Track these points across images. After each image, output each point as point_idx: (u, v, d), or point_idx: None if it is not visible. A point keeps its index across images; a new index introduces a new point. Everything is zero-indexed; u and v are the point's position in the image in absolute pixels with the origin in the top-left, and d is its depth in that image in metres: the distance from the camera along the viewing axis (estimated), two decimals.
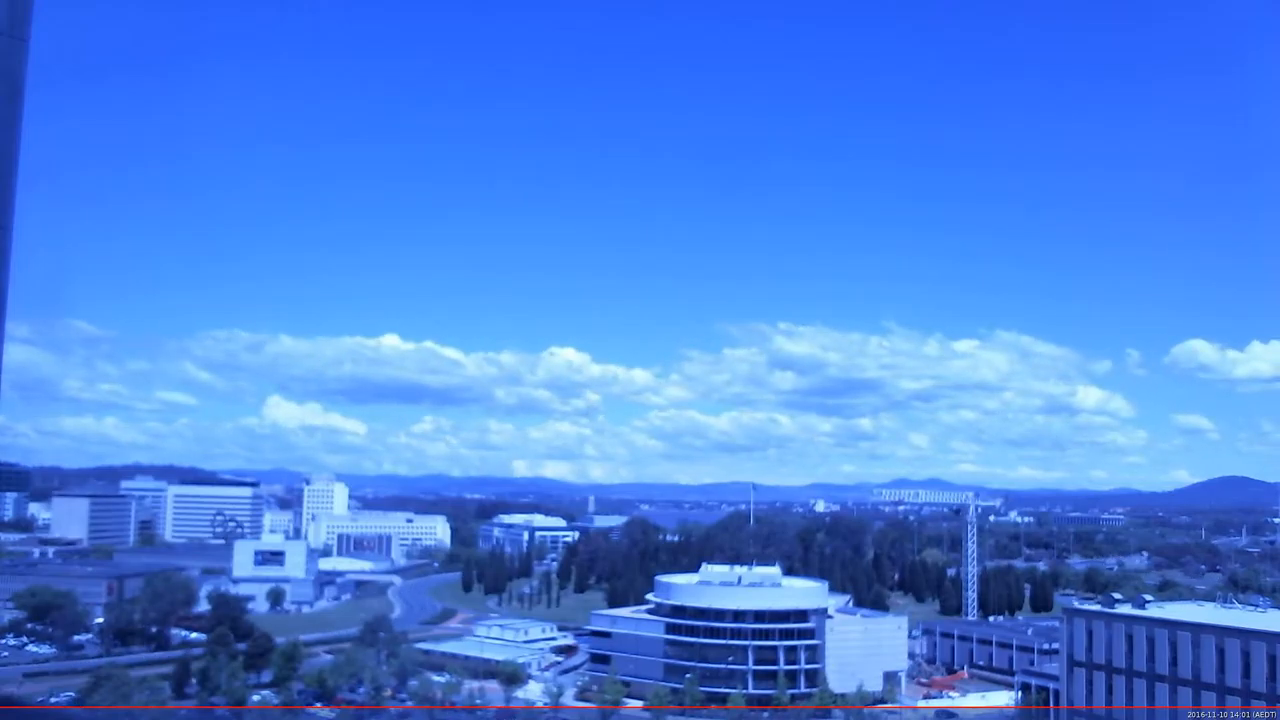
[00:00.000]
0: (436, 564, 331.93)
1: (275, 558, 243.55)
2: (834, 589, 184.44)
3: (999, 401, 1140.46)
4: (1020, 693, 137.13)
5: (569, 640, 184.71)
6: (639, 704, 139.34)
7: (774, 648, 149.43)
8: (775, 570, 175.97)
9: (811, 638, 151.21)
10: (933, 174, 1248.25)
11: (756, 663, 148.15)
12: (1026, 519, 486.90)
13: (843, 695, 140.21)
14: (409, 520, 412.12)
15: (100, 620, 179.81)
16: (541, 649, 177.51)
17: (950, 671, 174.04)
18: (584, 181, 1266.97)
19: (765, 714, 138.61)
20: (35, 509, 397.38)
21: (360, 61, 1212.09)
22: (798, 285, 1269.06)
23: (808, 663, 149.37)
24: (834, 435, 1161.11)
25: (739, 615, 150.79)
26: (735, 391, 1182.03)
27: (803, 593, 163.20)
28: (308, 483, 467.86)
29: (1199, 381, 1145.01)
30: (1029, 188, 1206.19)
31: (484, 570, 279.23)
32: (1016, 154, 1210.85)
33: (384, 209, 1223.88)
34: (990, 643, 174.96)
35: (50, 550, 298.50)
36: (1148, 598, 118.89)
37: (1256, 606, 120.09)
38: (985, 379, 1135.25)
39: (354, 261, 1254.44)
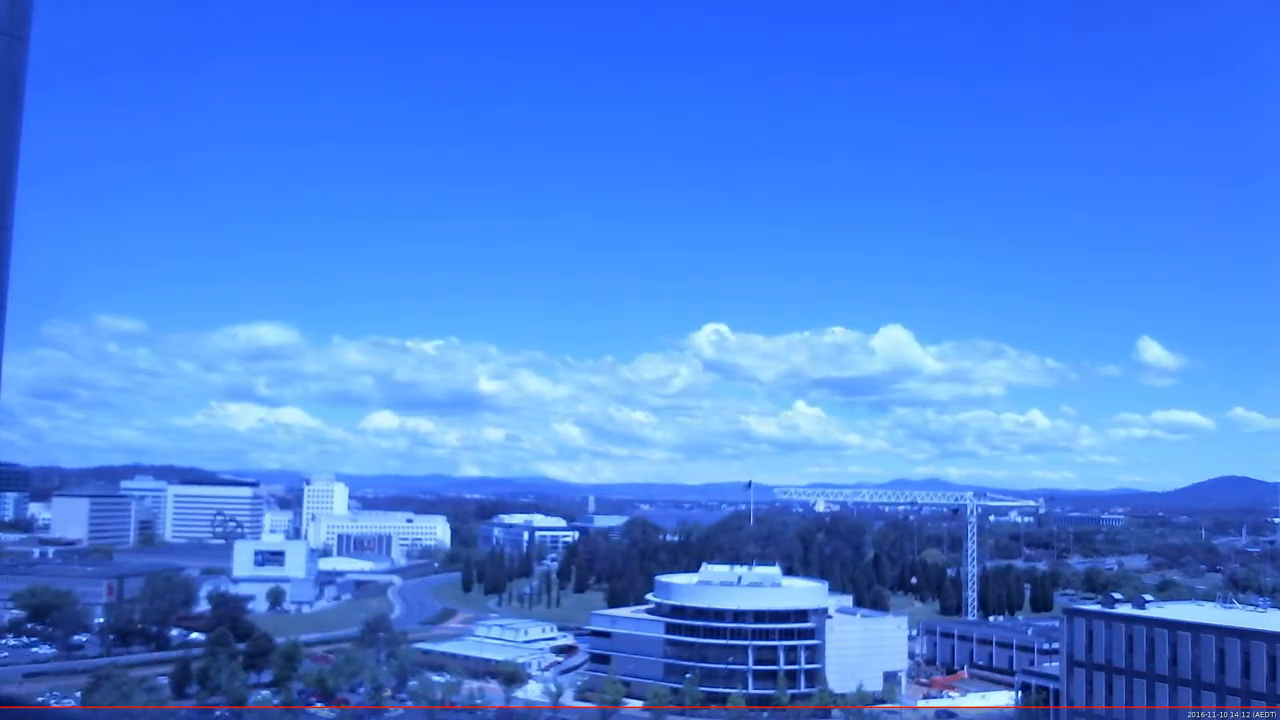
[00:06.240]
0: (436, 564, 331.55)
1: (275, 558, 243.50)
2: (834, 589, 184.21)
3: (1000, 402, 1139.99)
4: (1020, 693, 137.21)
5: (569, 640, 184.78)
6: (639, 704, 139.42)
7: (774, 648, 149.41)
8: (775, 570, 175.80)
9: (811, 638, 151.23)
10: (930, 174, 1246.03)
11: (756, 663, 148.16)
12: (1027, 519, 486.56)
13: (843, 695, 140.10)
14: (409, 520, 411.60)
15: (100, 620, 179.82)
16: (541, 649, 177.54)
17: (950, 671, 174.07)
18: (583, 181, 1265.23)
19: (765, 714, 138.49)
20: (35, 509, 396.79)
21: (362, 60, 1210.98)
22: (805, 286, 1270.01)
23: (808, 663, 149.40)
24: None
25: (739, 615, 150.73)
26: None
27: (803, 593, 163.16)
28: (308, 483, 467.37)
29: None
30: (1027, 189, 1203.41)
31: (484, 570, 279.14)
32: (1014, 154, 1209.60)
33: (386, 208, 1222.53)
34: (990, 643, 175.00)
35: (50, 550, 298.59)
36: (1148, 598, 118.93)
37: (1256, 606, 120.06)
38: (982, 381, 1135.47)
39: (355, 260, 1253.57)
